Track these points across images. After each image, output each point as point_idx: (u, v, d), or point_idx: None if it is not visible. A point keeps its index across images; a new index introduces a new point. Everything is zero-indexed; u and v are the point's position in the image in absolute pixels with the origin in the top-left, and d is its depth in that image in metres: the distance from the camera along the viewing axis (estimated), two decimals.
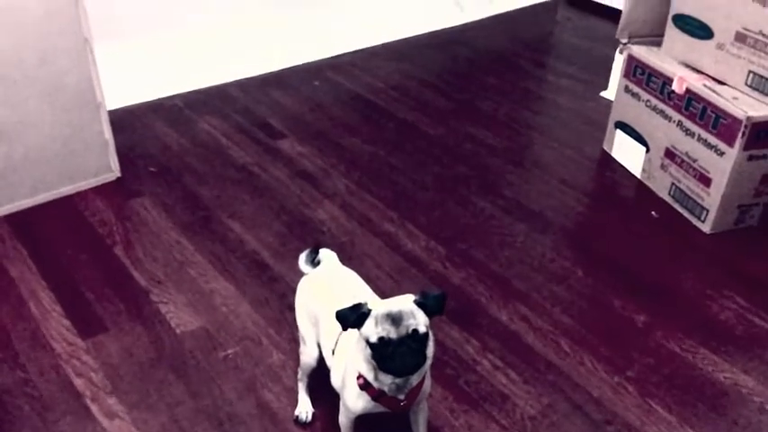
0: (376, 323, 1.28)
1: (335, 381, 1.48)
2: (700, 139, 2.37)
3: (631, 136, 2.73)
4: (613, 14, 3.22)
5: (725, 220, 2.40)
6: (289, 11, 3.52)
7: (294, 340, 1.87)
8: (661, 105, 2.54)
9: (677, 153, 2.50)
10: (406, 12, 3.96)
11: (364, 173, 2.72)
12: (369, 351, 1.29)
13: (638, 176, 2.72)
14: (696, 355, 1.94)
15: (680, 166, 2.49)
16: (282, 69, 3.53)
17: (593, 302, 2.13)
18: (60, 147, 2.43)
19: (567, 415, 1.76)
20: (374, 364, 1.30)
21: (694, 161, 2.41)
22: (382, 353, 1.27)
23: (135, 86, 3.13)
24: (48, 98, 2.34)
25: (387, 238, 2.37)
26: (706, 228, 2.42)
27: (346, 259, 1.74)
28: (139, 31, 3.07)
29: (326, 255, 1.69)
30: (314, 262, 1.68)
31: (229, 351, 1.90)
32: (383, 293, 1.61)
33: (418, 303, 1.30)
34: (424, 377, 1.40)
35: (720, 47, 2.39)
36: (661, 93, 2.53)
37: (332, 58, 3.68)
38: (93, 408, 1.74)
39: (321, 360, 1.58)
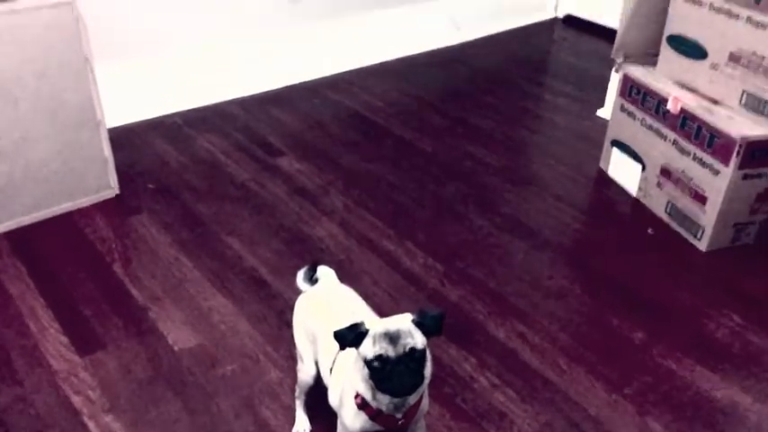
0: (374, 342, 1.28)
1: (333, 399, 1.48)
2: (695, 157, 2.39)
3: (627, 154, 2.75)
4: (609, 34, 3.26)
5: (721, 238, 2.41)
6: (288, 30, 3.56)
7: (292, 357, 1.87)
8: (656, 124, 2.57)
9: (673, 171, 2.52)
10: (405, 31, 4.00)
11: (363, 190, 2.74)
12: (367, 371, 1.29)
13: (635, 194, 2.74)
14: (693, 372, 1.95)
15: (676, 184, 2.51)
16: (282, 88, 3.57)
17: (590, 320, 2.14)
18: (60, 164, 2.45)
19: None
20: (372, 383, 1.30)
21: (690, 180, 2.43)
22: (380, 372, 1.28)
23: (135, 104, 3.15)
24: (48, 116, 2.36)
25: (385, 255, 2.38)
26: (702, 246, 2.43)
27: (344, 277, 1.75)
28: (139, 49, 3.10)
29: (324, 272, 1.70)
30: (312, 279, 1.68)
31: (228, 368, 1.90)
32: (381, 311, 1.61)
33: (416, 323, 1.31)
34: (421, 396, 1.40)
35: (714, 67, 2.42)
36: (656, 112, 2.56)
37: (331, 76, 3.72)
38: (91, 425, 1.74)
39: (319, 378, 1.58)
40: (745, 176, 2.27)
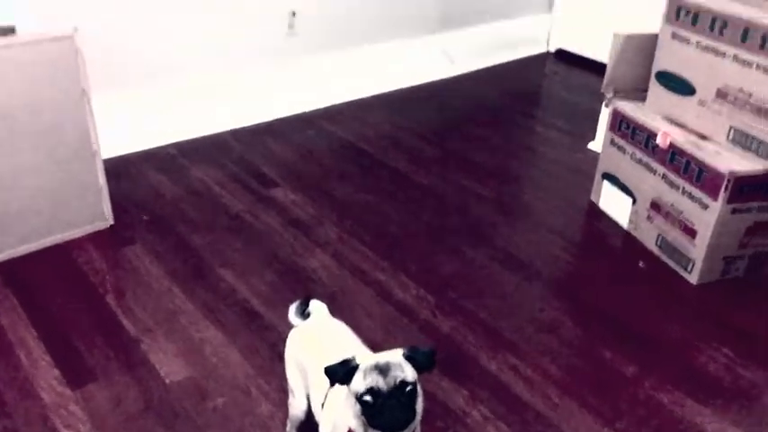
0: (364, 375, 1.28)
1: None
2: (684, 192, 2.43)
3: (618, 187, 2.79)
4: (600, 68, 3.31)
5: (711, 271, 2.43)
6: (284, 62, 3.61)
7: (283, 391, 1.87)
8: (646, 158, 2.60)
9: (663, 205, 2.54)
10: (400, 65, 4.06)
11: (356, 221, 2.76)
12: (359, 406, 1.29)
13: (626, 227, 2.76)
14: (684, 406, 1.95)
15: (666, 217, 2.54)
16: (277, 119, 3.60)
17: (582, 352, 2.14)
18: (54, 195, 2.46)
19: None
20: (364, 419, 1.30)
21: (680, 213, 2.46)
22: (372, 407, 1.28)
23: (130, 135, 3.18)
24: (44, 147, 2.38)
25: (377, 287, 2.38)
26: (693, 279, 2.45)
27: (337, 308, 1.76)
28: (135, 80, 3.13)
29: (316, 307, 1.70)
30: (304, 314, 1.69)
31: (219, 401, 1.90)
32: (373, 343, 1.62)
33: (407, 357, 1.32)
34: None
35: (702, 103, 2.47)
36: (646, 146, 2.60)
37: (326, 108, 3.76)
38: None
39: (310, 413, 1.58)
40: (734, 211, 2.30)
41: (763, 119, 2.27)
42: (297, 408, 1.61)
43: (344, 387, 1.33)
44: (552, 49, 4.75)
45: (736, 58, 2.31)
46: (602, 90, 2.87)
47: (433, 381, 1.98)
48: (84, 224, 2.57)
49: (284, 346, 1.68)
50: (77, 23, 2.32)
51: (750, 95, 2.29)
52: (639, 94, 2.76)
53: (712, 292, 2.42)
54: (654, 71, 2.67)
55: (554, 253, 2.62)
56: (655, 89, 2.67)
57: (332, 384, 1.34)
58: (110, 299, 2.28)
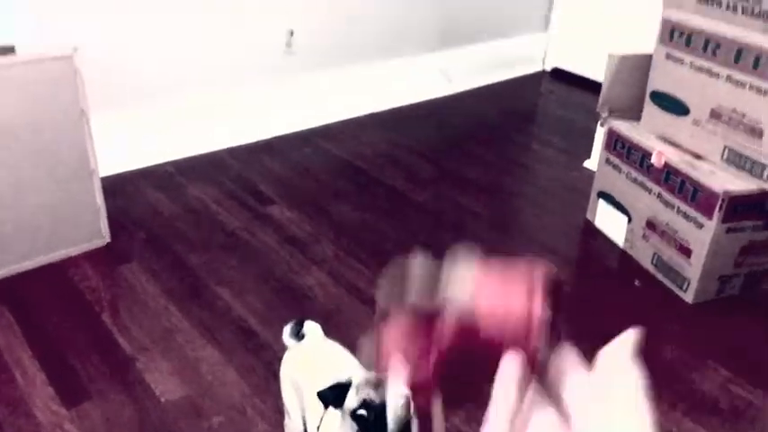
0: (357, 391, 1.29)
1: None
2: (679, 211, 2.44)
3: (614, 206, 2.80)
4: (595, 87, 3.33)
5: (706, 290, 2.44)
6: (281, 81, 3.63)
7: (279, 411, 1.86)
8: (641, 178, 2.62)
9: (658, 224, 2.56)
10: (397, 83, 4.09)
11: (352, 239, 2.76)
12: (356, 427, 1.29)
13: (621, 246, 2.77)
14: (681, 426, 1.95)
15: (661, 236, 2.55)
16: (274, 137, 3.62)
17: None
18: (52, 213, 2.46)
19: None
20: None
21: (675, 232, 2.47)
22: (366, 422, 1.28)
23: (128, 153, 3.19)
24: (42, 166, 2.38)
25: (373, 304, 2.37)
26: (688, 298, 2.46)
27: (333, 326, 1.76)
28: (133, 98, 3.14)
29: (311, 328, 1.70)
30: (299, 335, 1.69)
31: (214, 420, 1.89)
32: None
33: None
34: None
35: (696, 123, 2.49)
36: (641, 165, 2.61)
37: (323, 126, 3.78)
38: None
39: None
40: (729, 230, 2.32)
41: (756, 139, 2.29)
42: (293, 429, 1.61)
43: (339, 411, 1.33)
44: (548, 68, 4.79)
45: (729, 78, 2.34)
46: (597, 110, 2.89)
47: None
48: (81, 242, 2.57)
49: (280, 364, 1.68)
50: (76, 43, 2.34)
51: (744, 116, 2.31)
52: (634, 113, 2.78)
53: (708, 312, 2.43)
54: (648, 91, 2.69)
55: None
56: (649, 109, 2.70)
57: (325, 407, 1.34)
58: (106, 317, 2.27)
